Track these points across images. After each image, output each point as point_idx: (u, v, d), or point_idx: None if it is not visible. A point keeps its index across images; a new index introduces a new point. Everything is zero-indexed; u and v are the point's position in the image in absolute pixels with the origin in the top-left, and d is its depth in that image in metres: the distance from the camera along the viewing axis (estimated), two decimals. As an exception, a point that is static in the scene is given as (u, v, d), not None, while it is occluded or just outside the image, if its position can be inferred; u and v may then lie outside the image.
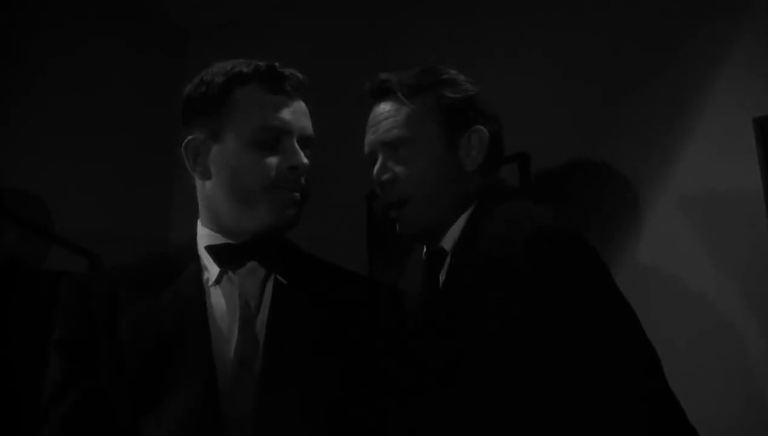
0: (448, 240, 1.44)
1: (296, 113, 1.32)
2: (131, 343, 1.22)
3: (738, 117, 1.93)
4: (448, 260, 1.44)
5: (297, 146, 1.31)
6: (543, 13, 2.32)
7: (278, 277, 1.32)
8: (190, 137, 1.31)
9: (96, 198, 2.59)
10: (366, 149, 1.50)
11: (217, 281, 1.30)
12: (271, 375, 1.21)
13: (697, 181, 1.97)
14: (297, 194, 1.31)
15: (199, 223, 1.37)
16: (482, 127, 1.47)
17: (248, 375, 1.21)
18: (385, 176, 1.45)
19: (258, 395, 1.19)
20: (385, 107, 1.47)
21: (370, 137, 1.49)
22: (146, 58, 2.85)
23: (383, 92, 1.48)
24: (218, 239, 1.33)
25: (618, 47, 2.16)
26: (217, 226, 1.33)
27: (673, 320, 1.87)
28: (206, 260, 1.32)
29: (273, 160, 1.29)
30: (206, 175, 1.32)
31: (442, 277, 1.45)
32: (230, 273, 1.30)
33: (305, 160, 1.31)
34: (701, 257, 1.93)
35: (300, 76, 1.34)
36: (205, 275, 1.31)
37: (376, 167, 1.46)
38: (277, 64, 1.34)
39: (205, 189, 1.33)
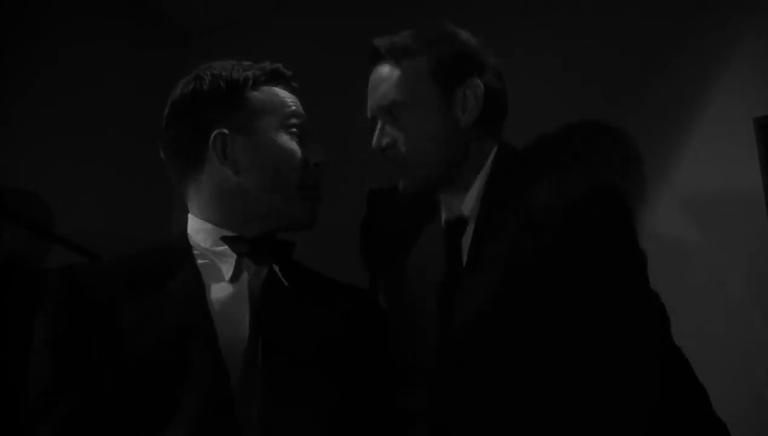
0: (468, 206, 1.40)
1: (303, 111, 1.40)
2: (134, 341, 1.19)
3: (738, 117, 1.93)
4: (471, 228, 1.39)
5: (316, 144, 1.37)
6: (545, 13, 2.32)
7: (281, 278, 1.33)
8: (217, 131, 1.32)
9: (97, 198, 2.58)
10: (368, 115, 1.48)
11: (227, 278, 1.29)
12: (278, 377, 1.20)
13: (698, 182, 1.97)
14: (319, 193, 1.38)
15: (198, 219, 1.36)
16: (477, 80, 1.41)
17: (256, 376, 1.19)
18: (384, 141, 1.43)
19: (266, 396, 1.18)
20: (380, 72, 1.44)
21: (368, 103, 1.47)
22: (148, 58, 2.85)
23: (378, 57, 1.46)
24: (221, 236, 1.33)
25: (618, 47, 2.16)
26: (231, 221, 1.33)
27: (674, 320, 1.87)
28: (212, 256, 1.32)
29: (304, 151, 1.36)
30: (236, 168, 1.33)
31: (465, 246, 1.40)
32: (241, 270, 1.31)
33: (327, 158, 1.37)
34: (702, 257, 1.93)
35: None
36: (206, 271, 1.30)
37: (375, 133, 1.44)
38: (281, 64, 1.39)
39: (228, 182, 1.33)
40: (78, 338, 1.20)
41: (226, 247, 1.32)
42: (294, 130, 1.36)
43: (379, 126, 1.44)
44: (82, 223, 2.45)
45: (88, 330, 1.20)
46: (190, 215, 1.38)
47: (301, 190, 1.34)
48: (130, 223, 2.62)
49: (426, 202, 1.49)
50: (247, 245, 1.33)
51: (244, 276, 1.30)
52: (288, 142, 1.34)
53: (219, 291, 1.28)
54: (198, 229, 1.35)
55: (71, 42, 2.62)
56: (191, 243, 1.34)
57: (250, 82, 1.35)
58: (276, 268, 1.34)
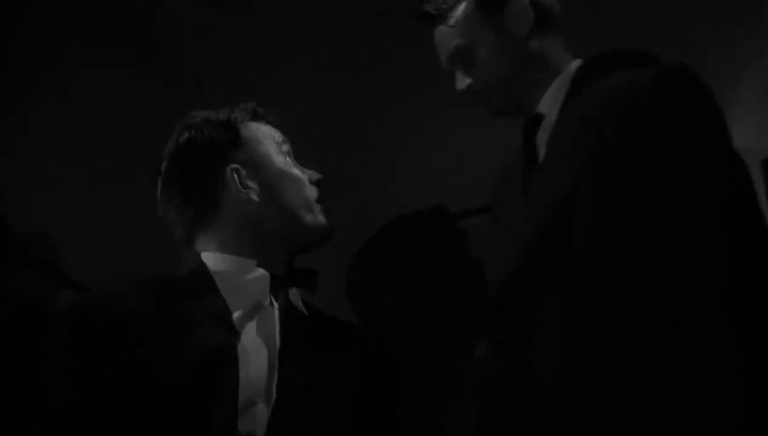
0: (545, 104, 1.47)
1: None
2: (156, 369, 1.22)
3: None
4: (548, 122, 1.44)
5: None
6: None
7: (301, 309, 1.39)
8: (231, 166, 1.42)
9: (106, 240, 2.60)
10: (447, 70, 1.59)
11: (251, 315, 1.33)
12: (287, 415, 1.24)
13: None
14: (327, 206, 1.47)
15: (218, 254, 1.40)
16: None
17: (265, 413, 1.24)
18: (463, 85, 1.52)
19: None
20: (437, 32, 1.56)
21: (443, 63, 1.58)
22: (156, 104, 2.88)
23: (428, 21, 1.57)
24: (249, 266, 1.37)
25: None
26: (258, 248, 1.39)
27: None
28: (236, 285, 1.36)
29: (302, 172, 1.47)
30: (254, 197, 1.41)
31: (540, 143, 1.43)
32: (269, 304, 1.35)
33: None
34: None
35: None
36: (230, 300, 1.34)
37: (456, 84, 1.54)
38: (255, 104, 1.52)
39: (250, 212, 1.41)
40: (96, 368, 1.23)
41: (251, 277, 1.37)
42: (288, 154, 1.48)
43: (456, 77, 1.54)
44: (92, 265, 2.46)
45: (106, 360, 1.23)
46: (204, 254, 1.42)
47: (314, 206, 1.44)
48: (139, 265, 2.63)
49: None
50: (271, 275, 1.38)
51: (267, 306, 1.35)
52: (289, 165, 1.46)
53: (242, 320, 1.32)
54: (218, 262, 1.39)
55: (82, 87, 2.66)
56: (212, 274, 1.38)
57: (239, 120, 1.46)
58: (295, 298, 1.39)
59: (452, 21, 1.52)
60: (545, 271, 1.24)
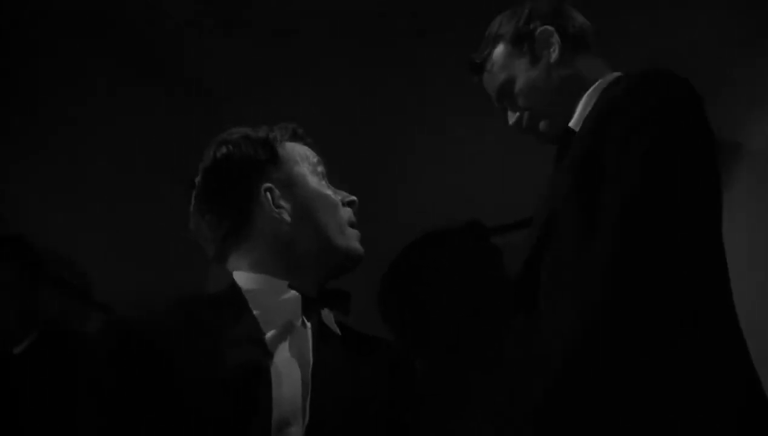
0: (575, 120, 1.58)
1: None
2: (191, 390, 1.23)
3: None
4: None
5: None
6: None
7: (335, 329, 1.39)
8: (266, 185, 1.41)
9: (134, 263, 2.63)
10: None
11: (283, 335, 1.33)
12: (319, 430, 1.24)
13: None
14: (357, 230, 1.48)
15: (250, 273, 1.39)
16: (544, 28, 1.66)
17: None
18: (513, 120, 1.68)
19: None
20: (483, 78, 1.71)
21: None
22: (179, 124, 2.91)
23: (476, 68, 1.72)
24: (281, 286, 1.37)
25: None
26: (290, 268, 1.39)
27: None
28: (268, 306, 1.35)
29: (335, 193, 1.48)
30: (287, 217, 1.41)
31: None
32: (301, 325, 1.35)
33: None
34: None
35: None
36: (262, 320, 1.33)
37: (508, 121, 1.70)
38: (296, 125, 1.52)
39: (282, 231, 1.40)
40: (133, 389, 1.23)
41: (283, 298, 1.36)
42: (322, 176, 1.48)
43: (508, 114, 1.69)
44: (119, 287, 2.49)
45: (143, 380, 1.23)
46: (236, 273, 1.41)
47: (348, 229, 1.44)
48: (165, 286, 2.64)
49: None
50: (303, 296, 1.38)
51: (299, 327, 1.35)
52: (323, 186, 1.46)
53: (274, 341, 1.31)
54: (250, 282, 1.38)
55: (108, 109, 2.70)
56: (244, 294, 1.37)
57: (277, 139, 1.46)
58: (328, 319, 1.39)
59: (491, 64, 1.69)
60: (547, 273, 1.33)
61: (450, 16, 2.63)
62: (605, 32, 2.32)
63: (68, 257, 2.46)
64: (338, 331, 1.39)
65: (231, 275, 1.42)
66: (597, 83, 1.59)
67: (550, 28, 1.66)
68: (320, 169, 1.49)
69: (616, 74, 1.58)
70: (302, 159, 1.48)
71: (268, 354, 1.28)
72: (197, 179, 1.47)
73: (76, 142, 2.59)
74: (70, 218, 2.50)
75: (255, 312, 1.34)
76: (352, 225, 1.46)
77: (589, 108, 1.53)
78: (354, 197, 1.49)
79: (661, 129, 1.33)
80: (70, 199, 2.53)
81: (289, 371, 1.28)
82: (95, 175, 2.62)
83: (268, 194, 1.42)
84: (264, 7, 2.68)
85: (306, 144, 1.52)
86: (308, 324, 1.36)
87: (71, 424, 1.76)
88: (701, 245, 1.28)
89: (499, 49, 1.69)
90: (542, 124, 1.65)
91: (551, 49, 1.65)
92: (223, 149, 1.45)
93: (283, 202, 1.42)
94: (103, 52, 2.69)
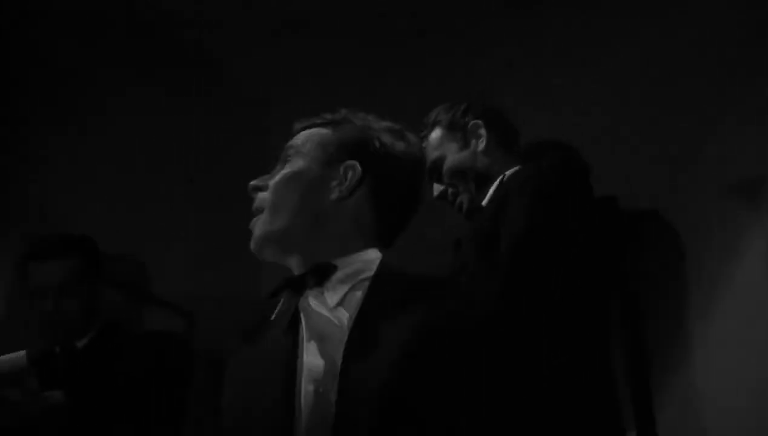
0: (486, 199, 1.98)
1: None
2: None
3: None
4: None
5: None
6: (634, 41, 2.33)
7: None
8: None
9: (191, 260, 2.70)
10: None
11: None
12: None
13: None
14: None
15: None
16: (474, 121, 2.04)
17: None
18: (437, 193, 2.06)
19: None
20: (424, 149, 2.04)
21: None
22: (228, 123, 2.98)
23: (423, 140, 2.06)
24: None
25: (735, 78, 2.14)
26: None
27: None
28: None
29: None
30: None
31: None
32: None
33: None
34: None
35: None
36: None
37: (433, 192, 2.07)
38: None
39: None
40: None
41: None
42: None
43: (433, 186, 2.07)
44: (177, 284, 2.60)
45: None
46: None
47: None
48: (221, 283, 2.72)
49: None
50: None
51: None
52: None
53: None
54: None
55: (158, 106, 2.78)
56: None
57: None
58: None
59: (428, 143, 2.03)
60: None
61: (450, 16, 2.63)
62: (605, 32, 2.34)
63: (127, 255, 2.55)
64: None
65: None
66: (508, 172, 1.95)
67: (480, 122, 2.02)
68: None
69: (518, 167, 1.95)
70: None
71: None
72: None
73: (134, 145, 2.68)
74: (128, 218, 2.59)
75: None
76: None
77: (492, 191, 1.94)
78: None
79: (540, 212, 1.71)
80: (128, 199, 2.62)
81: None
82: (152, 176, 2.70)
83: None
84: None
85: None
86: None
87: (129, 414, 1.93)
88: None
89: (436, 132, 2.04)
90: (460, 199, 2.01)
91: (479, 140, 2.01)
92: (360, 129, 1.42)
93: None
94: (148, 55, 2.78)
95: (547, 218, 1.70)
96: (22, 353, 1.72)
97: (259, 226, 1.34)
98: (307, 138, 1.38)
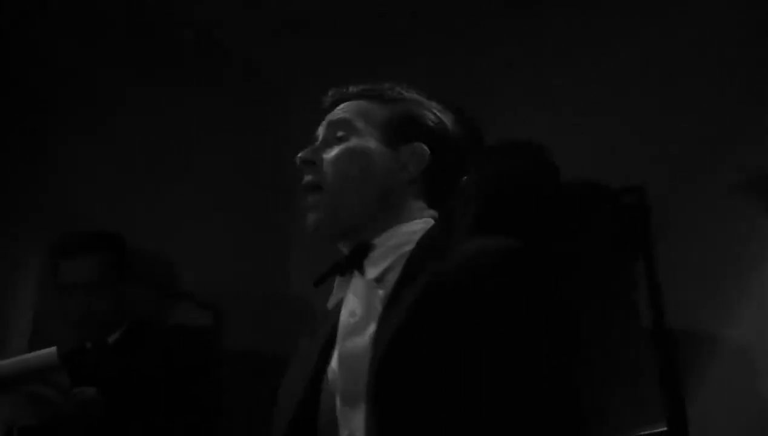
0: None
1: None
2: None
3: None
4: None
5: None
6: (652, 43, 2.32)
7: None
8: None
9: (219, 255, 2.69)
10: None
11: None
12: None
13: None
14: None
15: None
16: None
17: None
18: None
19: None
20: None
21: None
22: (252, 116, 2.97)
23: None
24: None
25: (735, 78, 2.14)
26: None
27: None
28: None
29: None
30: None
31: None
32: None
33: None
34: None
35: None
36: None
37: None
38: None
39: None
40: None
41: None
42: None
43: None
44: (205, 279, 2.61)
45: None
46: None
47: None
48: (249, 277, 2.72)
49: None
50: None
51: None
52: None
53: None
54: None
55: (185, 103, 2.78)
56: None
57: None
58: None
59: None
60: None
61: (450, 16, 2.63)
62: (605, 32, 2.34)
63: (155, 251, 2.57)
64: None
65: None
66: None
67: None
68: None
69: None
70: None
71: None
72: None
73: (159, 141, 2.69)
74: (155, 214, 2.60)
75: None
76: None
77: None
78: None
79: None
80: (153, 196, 2.63)
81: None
82: (178, 174, 2.70)
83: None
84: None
85: None
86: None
87: (158, 409, 1.93)
88: None
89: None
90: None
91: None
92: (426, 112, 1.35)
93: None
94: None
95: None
96: (53, 349, 1.71)
97: (321, 208, 1.24)
98: (358, 113, 1.29)
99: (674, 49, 2.22)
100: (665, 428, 1.95)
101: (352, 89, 1.33)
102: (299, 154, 1.28)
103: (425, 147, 1.27)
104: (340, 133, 1.28)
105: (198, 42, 2.82)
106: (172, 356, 2.07)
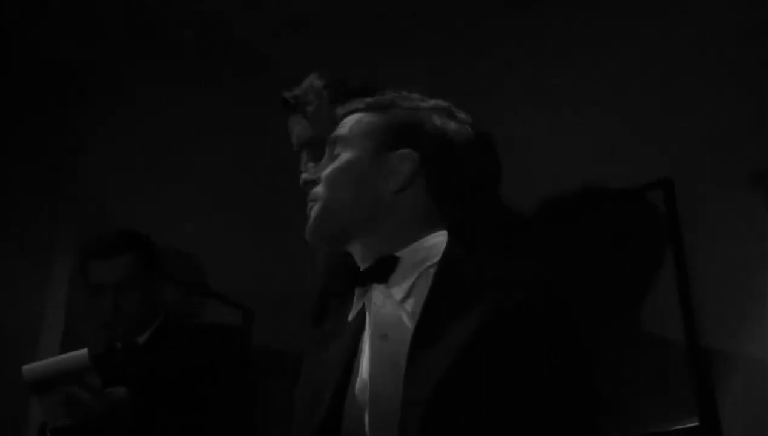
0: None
1: None
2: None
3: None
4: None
5: None
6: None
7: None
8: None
9: (249, 254, 2.72)
10: None
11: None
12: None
13: None
14: None
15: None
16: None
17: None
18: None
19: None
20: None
21: None
22: (267, 114, 2.96)
23: None
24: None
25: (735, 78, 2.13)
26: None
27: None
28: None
29: None
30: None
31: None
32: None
33: None
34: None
35: None
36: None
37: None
38: None
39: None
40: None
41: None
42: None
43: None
44: (233, 278, 2.64)
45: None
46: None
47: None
48: (277, 277, 2.73)
49: None
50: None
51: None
52: None
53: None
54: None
55: (207, 104, 2.80)
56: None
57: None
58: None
59: None
60: None
61: (450, 16, 2.63)
62: (605, 32, 2.34)
63: (185, 250, 2.61)
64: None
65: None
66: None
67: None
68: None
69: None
70: None
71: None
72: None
73: (191, 141, 2.72)
74: (183, 213, 2.63)
75: None
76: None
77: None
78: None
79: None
80: (183, 195, 2.65)
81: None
82: (207, 174, 2.73)
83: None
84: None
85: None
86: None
87: (189, 408, 1.94)
88: None
89: None
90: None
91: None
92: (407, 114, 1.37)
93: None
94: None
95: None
96: (84, 350, 1.72)
97: (313, 220, 1.30)
98: (353, 126, 1.32)
99: (674, 49, 2.22)
100: (697, 423, 1.95)
101: (356, 105, 1.36)
102: (302, 177, 1.42)
103: (414, 152, 1.27)
104: (336, 150, 1.33)
105: (198, 42, 2.82)
106: (201, 355, 2.07)
